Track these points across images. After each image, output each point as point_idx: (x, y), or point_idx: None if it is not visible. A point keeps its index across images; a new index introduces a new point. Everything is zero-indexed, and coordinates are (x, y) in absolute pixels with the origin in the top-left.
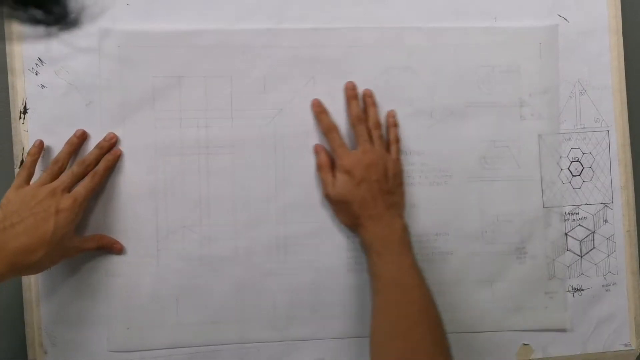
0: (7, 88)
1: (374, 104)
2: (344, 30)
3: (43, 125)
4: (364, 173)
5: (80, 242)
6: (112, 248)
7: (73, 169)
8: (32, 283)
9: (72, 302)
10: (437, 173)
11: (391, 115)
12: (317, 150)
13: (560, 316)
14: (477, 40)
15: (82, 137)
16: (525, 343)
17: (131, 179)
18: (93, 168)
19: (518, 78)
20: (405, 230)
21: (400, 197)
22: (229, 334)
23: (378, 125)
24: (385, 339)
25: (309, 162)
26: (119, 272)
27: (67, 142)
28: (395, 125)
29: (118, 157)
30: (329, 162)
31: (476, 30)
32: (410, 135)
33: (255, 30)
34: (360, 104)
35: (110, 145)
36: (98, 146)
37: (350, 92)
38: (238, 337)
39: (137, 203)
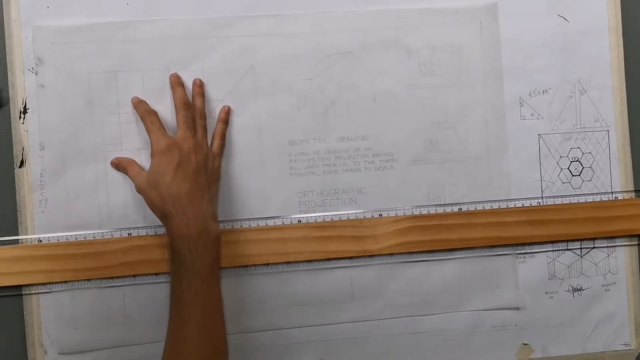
0: (7, 88)
1: (202, 94)
2: (282, 17)
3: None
4: (182, 157)
5: None
6: None
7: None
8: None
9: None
10: (382, 157)
11: (224, 110)
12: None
13: (512, 295)
14: (417, 21)
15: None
16: (525, 342)
17: (74, 179)
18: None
19: (459, 58)
20: (219, 242)
21: (215, 194)
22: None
23: (203, 116)
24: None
25: (251, 155)
26: None
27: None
28: (225, 121)
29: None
30: (131, 159)
31: (416, 12)
32: (355, 120)
33: (196, 20)
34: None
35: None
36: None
37: (175, 79)
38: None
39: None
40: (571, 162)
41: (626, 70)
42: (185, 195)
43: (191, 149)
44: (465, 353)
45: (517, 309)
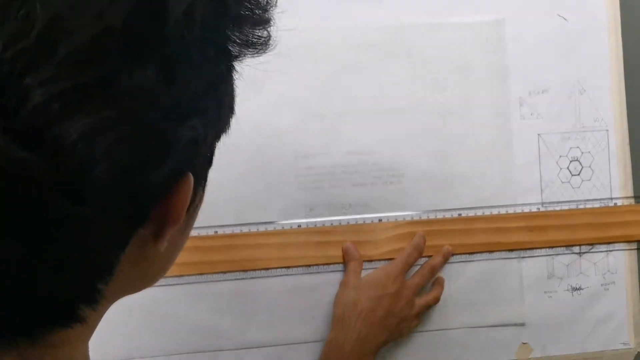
0: None
1: (442, 262)
2: (289, 30)
3: None
4: (388, 288)
5: None
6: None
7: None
8: None
9: None
10: (389, 172)
11: (440, 281)
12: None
13: (517, 310)
14: (426, 36)
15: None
16: (524, 342)
17: None
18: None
19: (467, 74)
20: None
21: (389, 336)
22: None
23: (430, 273)
24: None
25: (258, 169)
26: None
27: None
28: (441, 285)
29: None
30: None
31: (424, 27)
32: (362, 134)
33: None
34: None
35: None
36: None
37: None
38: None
39: None
40: (570, 161)
41: (625, 70)
42: (377, 316)
43: (395, 293)
44: (465, 352)
45: (522, 324)
